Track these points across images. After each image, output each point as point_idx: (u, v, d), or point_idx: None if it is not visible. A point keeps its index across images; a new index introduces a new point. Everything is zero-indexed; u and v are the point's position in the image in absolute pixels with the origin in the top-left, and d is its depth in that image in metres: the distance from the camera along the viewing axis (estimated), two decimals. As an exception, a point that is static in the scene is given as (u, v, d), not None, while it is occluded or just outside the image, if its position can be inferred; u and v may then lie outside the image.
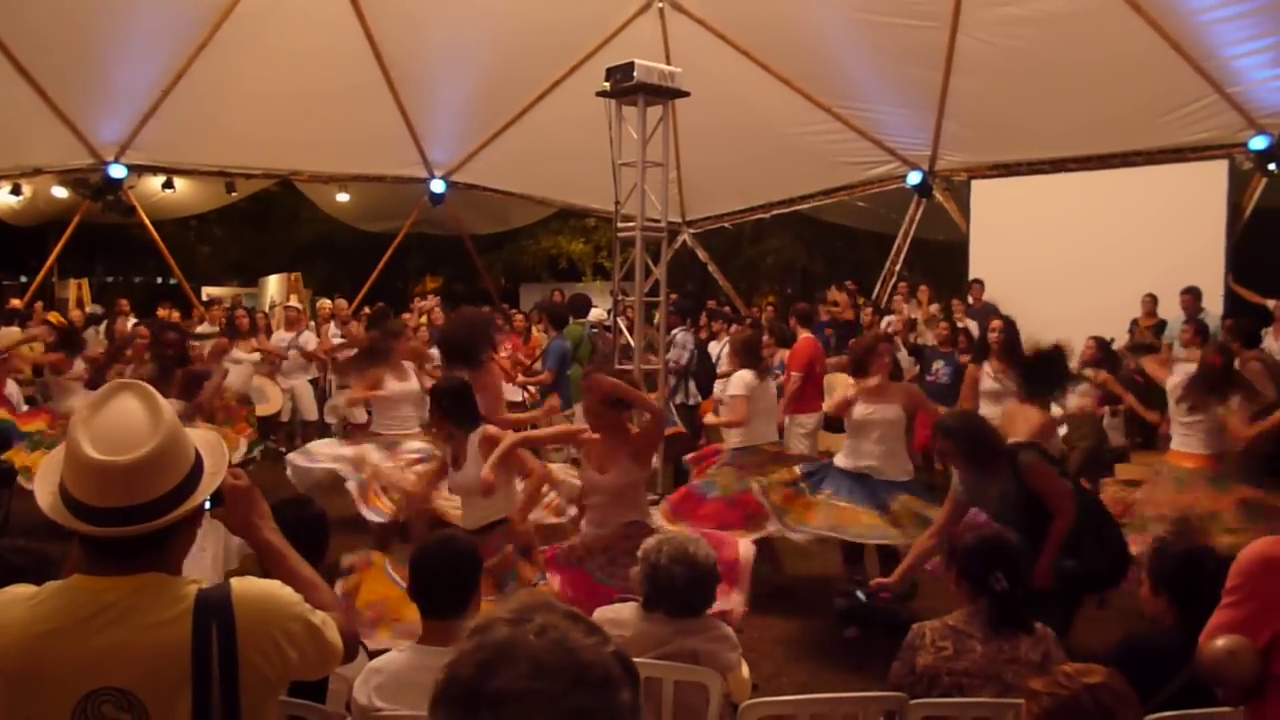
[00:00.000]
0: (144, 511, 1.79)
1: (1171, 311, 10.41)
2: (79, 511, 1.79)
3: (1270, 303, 10.89)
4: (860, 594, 4.47)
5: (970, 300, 12.36)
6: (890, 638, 4.32)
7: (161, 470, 1.82)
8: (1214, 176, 11.51)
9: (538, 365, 10.01)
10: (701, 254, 17.11)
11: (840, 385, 9.82)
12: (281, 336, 11.44)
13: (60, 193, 15.57)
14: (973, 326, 10.90)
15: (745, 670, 3.41)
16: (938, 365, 10.17)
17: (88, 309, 14.94)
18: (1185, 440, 6.20)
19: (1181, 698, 2.72)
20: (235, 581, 1.87)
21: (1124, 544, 4.74)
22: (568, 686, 1.12)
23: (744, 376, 6.82)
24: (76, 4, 11.11)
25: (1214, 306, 10.68)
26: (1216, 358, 6.18)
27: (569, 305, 10.55)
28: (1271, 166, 11.31)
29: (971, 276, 12.87)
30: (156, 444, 1.81)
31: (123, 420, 1.83)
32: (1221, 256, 11.34)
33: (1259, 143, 11.12)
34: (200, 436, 2.00)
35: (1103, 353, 8.41)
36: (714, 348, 11.75)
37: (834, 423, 10.24)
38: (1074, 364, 8.70)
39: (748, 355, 6.98)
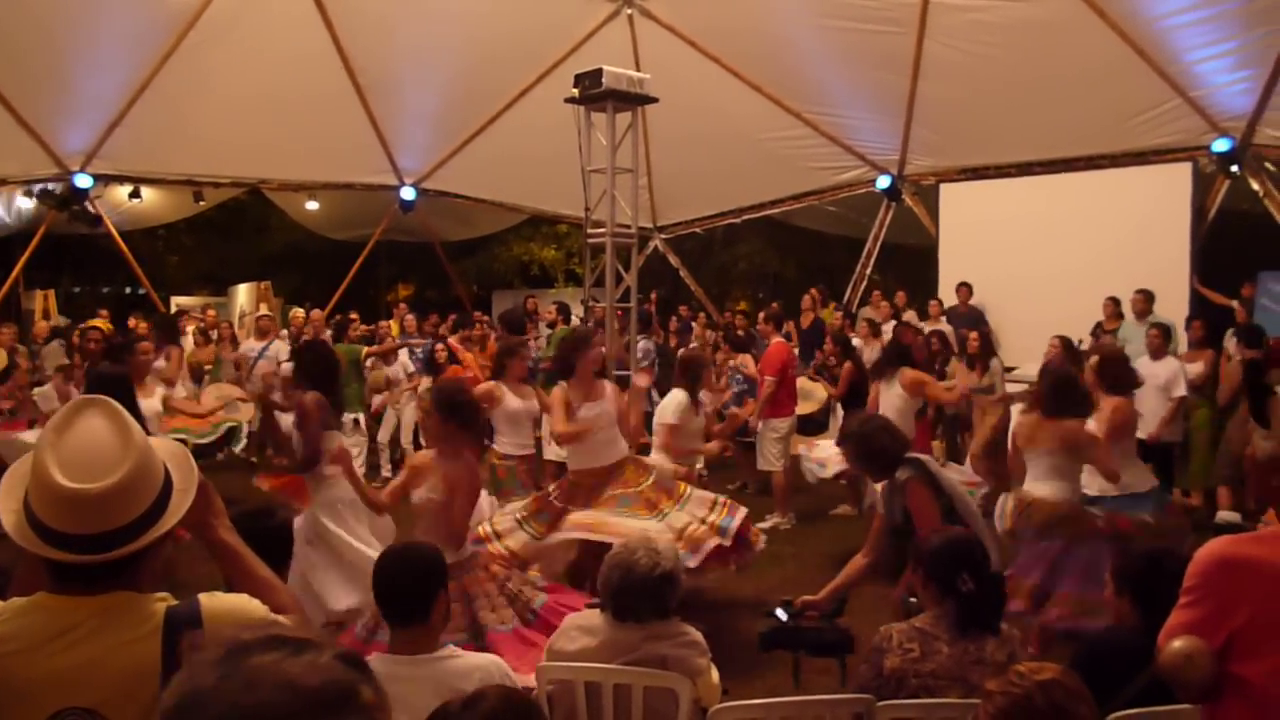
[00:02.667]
0: (115, 538, 1.76)
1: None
2: (47, 536, 1.75)
3: (1235, 303, 11.01)
4: (781, 614, 4.16)
5: (956, 303, 12.37)
6: (821, 658, 4.21)
7: (133, 495, 1.79)
8: (1178, 179, 11.65)
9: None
10: (673, 259, 17.16)
11: (815, 390, 9.91)
12: (251, 346, 11.33)
13: (25, 203, 15.40)
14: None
15: (715, 675, 3.41)
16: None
17: (52, 321, 14.75)
18: None
19: (1143, 697, 2.75)
20: (204, 597, 1.85)
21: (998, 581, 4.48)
22: None
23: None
24: (40, 11, 11.00)
25: (1180, 308, 10.79)
26: None
27: (521, 312, 10.56)
28: (1234, 169, 11.45)
29: (941, 279, 12.96)
30: (128, 469, 1.78)
31: (91, 441, 1.79)
32: (1186, 258, 11.47)
33: (1221, 145, 11.27)
34: (167, 450, 1.97)
35: (1067, 352, 8.48)
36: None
37: (805, 426, 10.30)
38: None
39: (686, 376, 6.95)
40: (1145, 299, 10.30)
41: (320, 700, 1.08)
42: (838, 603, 4.22)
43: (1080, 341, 10.13)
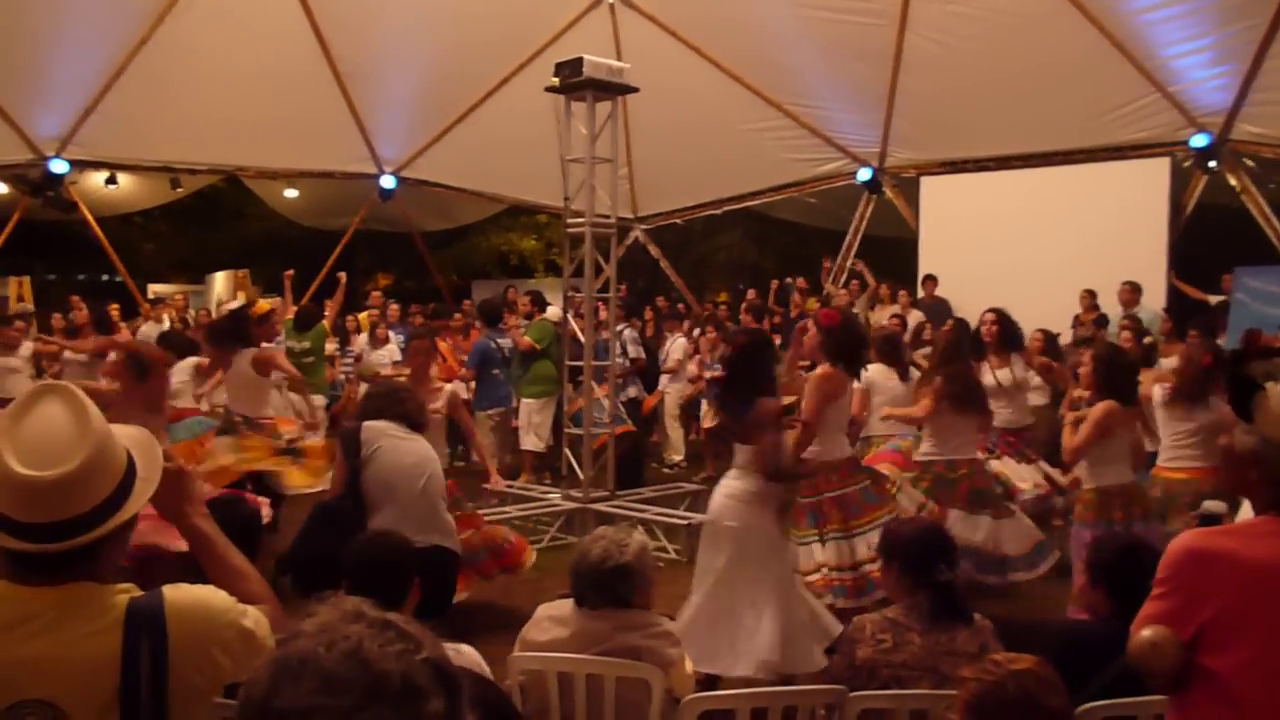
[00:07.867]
0: (74, 526, 1.72)
1: (1113, 306, 10.54)
2: (3, 525, 1.71)
3: (1211, 298, 11.08)
4: None
5: (921, 294, 12.47)
6: None
7: (92, 482, 1.75)
8: (1156, 174, 11.71)
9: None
10: (653, 250, 17.13)
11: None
12: None
13: (-1, 188, 15.25)
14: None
15: (689, 665, 3.41)
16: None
17: (16, 307, 14.58)
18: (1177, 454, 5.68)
19: (1115, 687, 2.76)
20: (168, 590, 1.81)
21: None
22: (360, 700, 1.08)
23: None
24: (14, -5, 10.88)
25: (1156, 302, 10.85)
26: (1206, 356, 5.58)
27: (499, 302, 10.55)
28: (1212, 164, 11.51)
29: (922, 272, 12.98)
30: (86, 456, 1.73)
31: (48, 429, 1.75)
32: (1164, 253, 11.52)
33: (1199, 140, 11.32)
34: (130, 435, 1.92)
35: (1048, 345, 8.49)
36: (668, 344, 11.82)
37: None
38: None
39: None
40: (1131, 290, 10.35)
41: (381, 686, 1.09)
42: None
43: (1058, 335, 10.18)
